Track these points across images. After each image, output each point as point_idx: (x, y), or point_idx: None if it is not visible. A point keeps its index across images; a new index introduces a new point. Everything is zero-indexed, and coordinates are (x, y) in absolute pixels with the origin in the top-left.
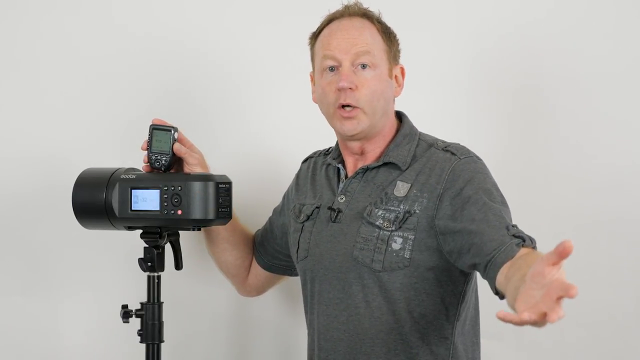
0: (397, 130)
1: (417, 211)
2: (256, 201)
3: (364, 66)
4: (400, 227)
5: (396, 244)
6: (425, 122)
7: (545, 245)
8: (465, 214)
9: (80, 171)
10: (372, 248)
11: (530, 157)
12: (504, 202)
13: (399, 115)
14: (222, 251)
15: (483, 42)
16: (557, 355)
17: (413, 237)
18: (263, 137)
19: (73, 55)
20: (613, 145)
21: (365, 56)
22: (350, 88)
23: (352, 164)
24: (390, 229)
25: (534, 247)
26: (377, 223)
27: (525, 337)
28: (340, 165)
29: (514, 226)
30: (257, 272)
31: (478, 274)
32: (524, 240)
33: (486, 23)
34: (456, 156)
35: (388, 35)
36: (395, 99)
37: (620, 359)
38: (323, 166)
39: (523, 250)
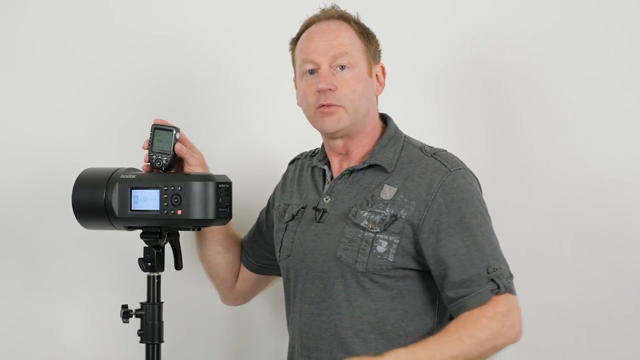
0: (382, 132)
1: (403, 217)
2: (256, 201)
3: (342, 67)
4: (385, 230)
5: (381, 247)
6: (418, 124)
7: (545, 246)
8: (449, 244)
9: (80, 171)
10: (356, 249)
11: (528, 159)
12: (487, 220)
13: (384, 118)
14: (215, 254)
15: (473, 40)
16: (557, 356)
17: (398, 241)
18: (263, 138)
19: (73, 55)
20: (612, 146)
21: (343, 57)
22: (330, 89)
23: (337, 165)
24: (374, 230)
25: (509, 291)
26: (362, 224)
27: (526, 338)
28: (325, 167)
29: (495, 269)
30: (245, 276)
31: None
32: (498, 287)
33: (474, 22)
34: (447, 168)
35: (366, 36)
36: (379, 100)
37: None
38: (309, 168)
39: (495, 298)
